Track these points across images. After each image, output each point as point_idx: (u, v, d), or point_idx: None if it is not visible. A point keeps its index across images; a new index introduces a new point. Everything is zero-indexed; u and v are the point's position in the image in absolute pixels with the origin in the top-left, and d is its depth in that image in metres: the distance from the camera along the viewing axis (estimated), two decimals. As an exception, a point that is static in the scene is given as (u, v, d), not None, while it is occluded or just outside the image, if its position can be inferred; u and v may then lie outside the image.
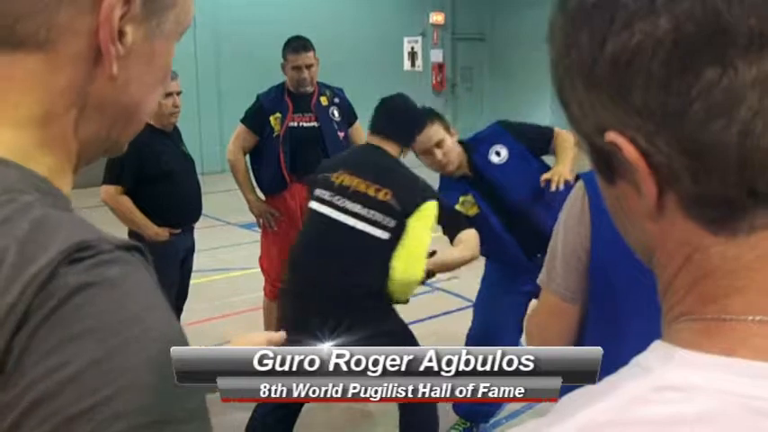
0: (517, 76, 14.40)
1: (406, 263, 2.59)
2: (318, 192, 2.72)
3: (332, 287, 2.60)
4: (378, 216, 2.59)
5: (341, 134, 3.97)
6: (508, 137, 3.10)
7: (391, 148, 2.75)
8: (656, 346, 0.48)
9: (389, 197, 2.60)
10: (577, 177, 1.50)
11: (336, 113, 4.00)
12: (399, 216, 2.58)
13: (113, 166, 3.31)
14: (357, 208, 2.61)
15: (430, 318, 4.82)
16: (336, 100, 4.04)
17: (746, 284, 0.46)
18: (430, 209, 2.63)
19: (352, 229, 2.61)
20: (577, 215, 1.44)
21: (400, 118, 2.82)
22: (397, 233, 2.59)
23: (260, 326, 4.11)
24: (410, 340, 2.78)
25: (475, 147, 3.11)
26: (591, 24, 0.46)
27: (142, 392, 0.47)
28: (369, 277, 2.59)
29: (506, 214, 3.07)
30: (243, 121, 4.03)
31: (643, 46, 0.44)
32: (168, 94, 3.38)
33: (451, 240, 2.94)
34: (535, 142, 3.11)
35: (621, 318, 1.39)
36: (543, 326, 1.52)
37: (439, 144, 2.97)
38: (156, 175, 3.38)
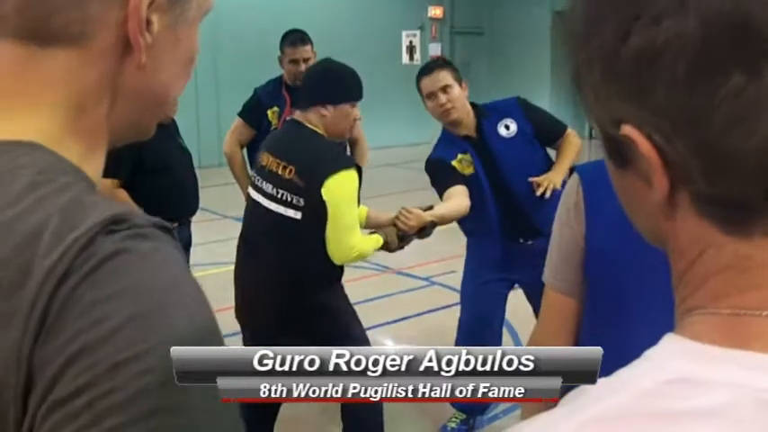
0: (516, 70, 14.39)
1: (337, 243, 2.49)
2: (252, 174, 2.70)
3: (264, 271, 2.57)
4: (287, 196, 2.50)
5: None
6: (521, 114, 3.11)
7: (311, 118, 2.56)
8: (669, 339, 0.48)
9: (293, 174, 2.48)
10: (572, 170, 1.50)
11: (334, 107, 4.00)
12: (306, 194, 2.46)
13: (109, 159, 3.29)
14: (269, 188, 2.55)
15: (428, 312, 4.83)
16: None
17: (761, 282, 0.46)
18: (343, 179, 2.46)
19: (270, 211, 2.54)
20: (572, 208, 1.44)
21: (313, 81, 2.66)
22: (312, 212, 2.47)
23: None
24: (346, 318, 2.67)
25: (486, 113, 3.12)
26: (616, 15, 0.45)
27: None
28: (296, 258, 2.51)
29: (497, 187, 3.07)
30: (240, 114, 4.03)
31: (669, 45, 0.43)
32: None
33: (440, 196, 2.93)
34: (544, 130, 3.13)
35: (617, 309, 1.39)
36: (544, 321, 1.53)
37: (445, 89, 3.00)
38: (152, 169, 3.37)
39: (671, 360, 0.45)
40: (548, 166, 3.09)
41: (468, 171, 3.07)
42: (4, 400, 0.48)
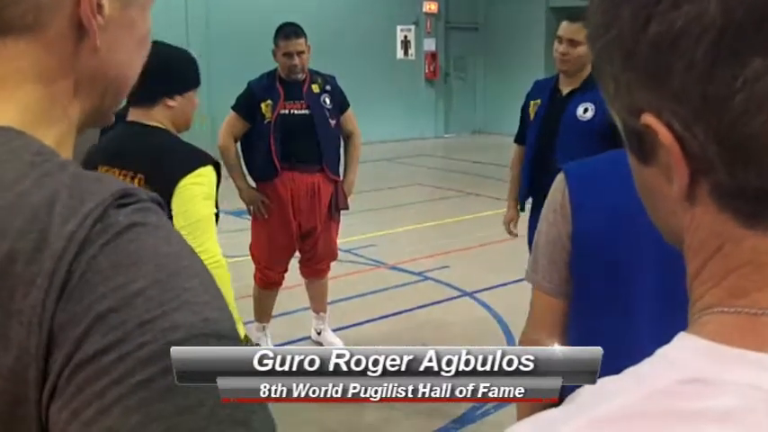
0: (510, 65, 14.39)
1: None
2: None
3: None
4: None
5: (332, 122, 3.96)
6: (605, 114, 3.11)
7: (155, 114, 2.33)
8: (683, 338, 0.47)
9: (143, 183, 2.19)
10: (559, 169, 1.50)
11: (328, 101, 3.99)
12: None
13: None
14: None
15: (419, 307, 4.84)
16: (328, 87, 4.02)
17: None
18: (196, 178, 2.22)
19: None
20: (558, 208, 1.44)
21: (153, 73, 2.33)
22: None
23: (250, 314, 4.12)
24: None
25: (592, 87, 3.19)
26: (635, 1, 0.45)
27: (197, 309, 0.51)
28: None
29: (541, 148, 3.34)
30: (234, 107, 4.02)
31: (689, 29, 0.42)
32: None
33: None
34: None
35: (604, 307, 1.40)
36: (533, 322, 1.52)
37: (572, 42, 3.23)
38: None
39: (685, 359, 0.44)
40: None
41: (532, 115, 3.42)
42: (24, 360, 0.49)
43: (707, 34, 0.41)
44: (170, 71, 2.31)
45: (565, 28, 3.31)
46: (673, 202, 0.48)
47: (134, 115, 2.34)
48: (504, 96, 14.60)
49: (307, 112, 3.92)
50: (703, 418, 0.41)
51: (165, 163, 2.23)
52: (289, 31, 3.90)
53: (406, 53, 13.92)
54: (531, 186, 3.42)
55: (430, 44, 14.26)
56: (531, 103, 3.49)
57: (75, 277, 0.50)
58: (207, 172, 2.25)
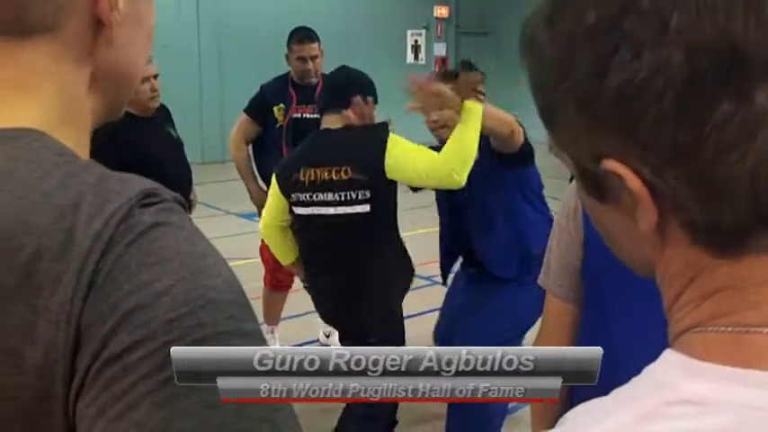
0: (519, 71, 14.21)
1: (434, 166, 2.58)
2: (296, 196, 2.76)
3: (350, 271, 2.73)
4: (351, 194, 2.63)
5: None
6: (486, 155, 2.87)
7: (333, 120, 2.76)
8: (669, 357, 0.46)
9: (350, 173, 2.63)
10: (572, 177, 1.49)
11: (340, 104, 3.99)
12: (372, 181, 2.62)
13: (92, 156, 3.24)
14: (330, 196, 2.66)
15: (429, 312, 4.82)
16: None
17: (759, 300, 0.45)
18: (391, 146, 2.63)
19: (337, 215, 2.66)
20: (571, 214, 1.44)
21: (329, 88, 2.88)
22: (380, 197, 2.64)
23: (259, 316, 4.12)
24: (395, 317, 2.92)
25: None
26: (591, 50, 0.43)
27: (222, 308, 0.51)
28: (376, 249, 2.70)
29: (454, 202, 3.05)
30: (246, 110, 4.02)
31: (653, 81, 0.41)
32: (145, 79, 3.27)
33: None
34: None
35: (613, 319, 1.39)
36: (546, 327, 1.52)
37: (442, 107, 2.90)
38: (134, 163, 3.24)
39: (673, 379, 0.44)
40: None
41: None
42: (52, 357, 0.49)
43: (673, 84, 0.41)
44: (353, 81, 2.82)
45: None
46: (639, 237, 0.47)
47: (325, 122, 2.80)
48: (513, 101, 14.56)
49: (319, 116, 3.92)
50: None
51: (360, 152, 2.65)
52: (302, 35, 3.91)
53: (416, 57, 13.92)
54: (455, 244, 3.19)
55: (440, 49, 14.25)
56: None
57: (101, 276, 0.51)
58: (393, 139, 2.65)
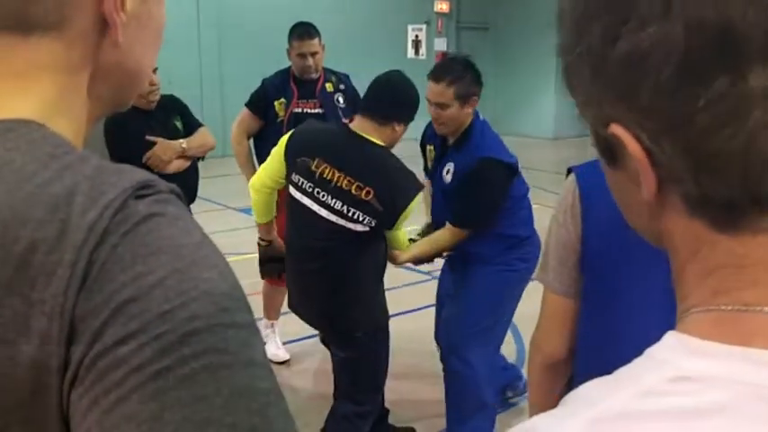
0: (520, 66, 14.36)
1: (402, 238, 2.75)
2: (297, 179, 2.66)
3: (324, 276, 2.67)
4: (358, 215, 2.55)
5: (345, 120, 3.96)
6: (464, 175, 2.91)
7: (379, 134, 2.62)
8: (670, 336, 0.48)
9: (371, 197, 2.53)
10: (569, 171, 1.50)
11: (341, 100, 3.99)
12: (382, 217, 2.55)
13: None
14: (338, 205, 2.57)
15: (427, 307, 4.83)
16: (342, 86, 4.03)
17: (758, 279, 0.46)
18: (414, 204, 2.61)
19: (330, 222, 2.59)
20: (568, 209, 1.44)
21: (397, 97, 2.65)
22: (380, 227, 2.60)
23: (259, 311, 4.12)
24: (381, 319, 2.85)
25: (469, 140, 3.00)
26: (605, 18, 0.46)
27: (216, 300, 0.51)
28: (356, 256, 2.65)
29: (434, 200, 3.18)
30: (247, 105, 4.03)
31: (654, 50, 0.43)
32: None
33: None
34: (452, 202, 2.97)
35: (615, 306, 1.40)
36: (545, 321, 1.53)
37: (440, 105, 2.90)
38: (137, 158, 3.27)
39: (673, 357, 0.45)
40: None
41: (430, 163, 3.22)
42: (46, 349, 0.50)
43: (672, 56, 0.43)
44: (409, 102, 2.67)
45: (430, 90, 2.91)
46: (644, 205, 0.49)
47: (361, 126, 2.62)
48: (513, 96, 14.56)
49: (320, 111, 3.91)
50: (694, 415, 0.42)
51: (393, 186, 2.56)
52: (302, 31, 3.90)
53: (416, 52, 13.91)
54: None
55: (441, 44, 14.25)
56: (428, 147, 3.24)
57: (95, 267, 0.51)
58: (418, 199, 2.62)
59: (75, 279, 0.50)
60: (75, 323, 0.50)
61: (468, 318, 3.03)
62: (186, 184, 3.57)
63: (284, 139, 2.75)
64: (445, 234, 3.00)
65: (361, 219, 2.55)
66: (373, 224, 2.55)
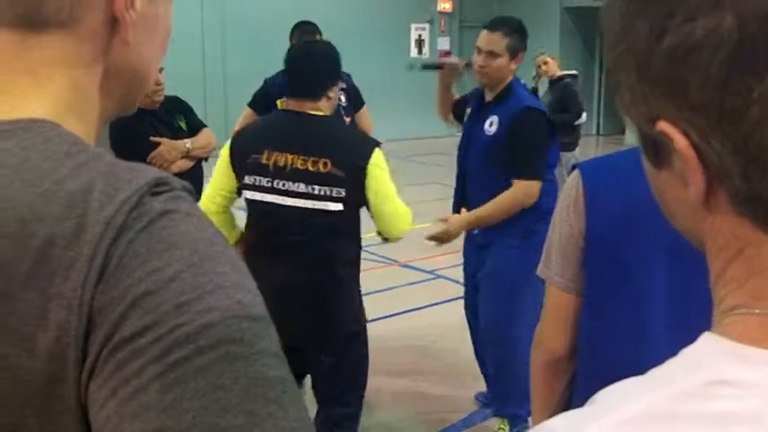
0: (524, 64, 14.30)
1: (393, 213, 2.55)
2: (252, 179, 2.51)
3: (314, 270, 2.52)
4: (323, 190, 2.44)
5: (347, 119, 3.97)
6: (510, 123, 2.97)
7: (318, 108, 2.53)
8: (708, 338, 0.46)
9: (330, 167, 2.43)
10: (574, 167, 1.50)
11: (343, 98, 3.99)
12: (348, 182, 2.44)
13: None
14: (301, 187, 2.45)
15: (432, 305, 4.84)
16: (344, 85, 4.02)
17: None
18: (377, 159, 2.48)
19: (302, 209, 2.46)
20: (572, 205, 1.44)
21: (319, 67, 2.58)
22: (353, 199, 2.46)
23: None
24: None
25: (511, 95, 3.06)
26: (650, 13, 0.45)
27: (230, 293, 0.53)
28: (336, 249, 2.52)
29: (461, 163, 3.23)
30: (250, 104, 4.04)
31: (704, 43, 0.42)
32: None
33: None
34: (510, 158, 2.97)
35: (616, 307, 1.40)
36: (548, 317, 1.53)
37: (491, 54, 2.99)
38: (142, 158, 3.22)
39: (710, 361, 0.44)
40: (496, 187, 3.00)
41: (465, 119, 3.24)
42: (64, 341, 0.51)
43: (722, 48, 0.42)
44: (335, 61, 2.61)
45: (482, 38, 3.03)
46: (689, 206, 0.48)
47: (298, 106, 2.54)
48: (518, 95, 14.51)
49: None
50: (731, 420, 0.41)
51: (347, 148, 2.49)
52: (304, 30, 3.93)
53: (420, 52, 13.90)
54: (461, 198, 3.23)
55: (444, 43, 14.24)
56: (466, 110, 3.31)
57: (112, 262, 0.52)
58: (378, 153, 2.50)
59: (93, 273, 0.51)
60: (93, 315, 0.51)
61: (509, 300, 3.02)
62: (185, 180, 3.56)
63: (225, 148, 2.66)
64: (515, 191, 2.95)
65: (328, 193, 2.44)
66: (343, 193, 2.43)
